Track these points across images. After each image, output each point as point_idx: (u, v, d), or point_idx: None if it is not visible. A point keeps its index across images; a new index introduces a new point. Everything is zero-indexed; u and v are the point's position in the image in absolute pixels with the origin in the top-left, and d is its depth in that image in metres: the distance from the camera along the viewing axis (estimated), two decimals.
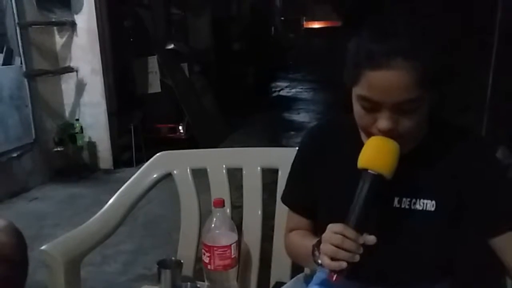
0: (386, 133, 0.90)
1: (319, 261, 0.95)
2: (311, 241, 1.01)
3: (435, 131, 1.00)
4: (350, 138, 0.99)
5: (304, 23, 16.53)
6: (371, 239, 0.89)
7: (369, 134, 0.93)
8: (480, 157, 0.99)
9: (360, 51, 0.88)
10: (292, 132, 5.72)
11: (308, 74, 10.62)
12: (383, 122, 0.89)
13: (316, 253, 0.96)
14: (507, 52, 3.75)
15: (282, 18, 14.30)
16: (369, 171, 0.89)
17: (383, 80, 0.85)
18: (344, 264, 0.88)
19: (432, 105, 0.92)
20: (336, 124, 1.13)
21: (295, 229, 1.15)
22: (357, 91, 0.91)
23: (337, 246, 0.88)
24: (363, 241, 0.89)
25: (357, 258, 0.88)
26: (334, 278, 0.90)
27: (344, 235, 0.88)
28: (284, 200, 1.20)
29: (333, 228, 0.90)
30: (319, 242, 0.96)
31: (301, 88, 9.21)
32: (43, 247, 1.24)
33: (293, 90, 9.12)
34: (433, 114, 0.99)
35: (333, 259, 0.89)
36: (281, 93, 8.99)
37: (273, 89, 9.25)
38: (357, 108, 0.94)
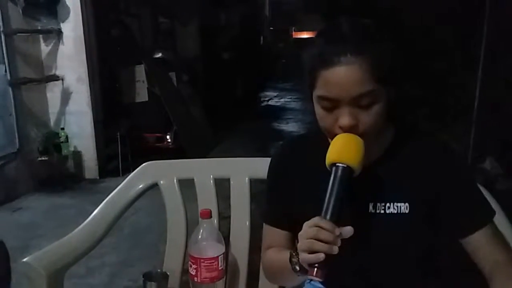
0: (348, 130, 0.93)
1: (297, 267, 0.94)
2: (287, 253, 1.00)
3: (402, 136, 1.05)
4: (321, 146, 1.00)
5: (293, 33, 16.65)
6: (348, 230, 0.89)
7: (333, 136, 0.96)
8: (445, 159, 1.03)
9: (314, 56, 0.95)
10: (281, 142, 5.70)
11: (297, 84, 10.66)
12: (344, 118, 0.93)
13: (294, 259, 0.96)
14: (494, 64, 3.80)
15: (271, 28, 14.40)
16: (337, 164, 0.92)
17: (337, 76, 0.91)
18: (321, 256, 0.86)
19: (390, 102, 0.96)
20: (306, 136, 1.19)
21: (272, 245, 1.14)
22: (316, 93, 0.97)
23: (313, 239, 0.87)
24: (339, 232, 0.87)
25: (335, 249, 0.86)
26: (314, 273, 0.87)
27: (319, 226, 0.88)
28: (261, 216, 1.19)
29: (308, 223, 0.90)
30: (296, 249, 0.95)
31: (290, 98, 9.24)
32: (25, 259, 1.21)
33: (282, 100, 9.15)
34: (399, 120, 1.04)
35: (310, 253, 0.88)
36: (270, 102, 9.02)
37: (262, 99, 9.27)
38: (318, 110, 0.98)
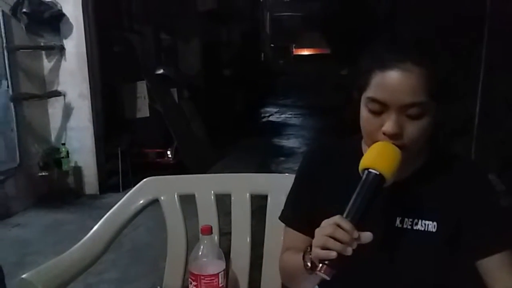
0: (391, 137, 0.93)
1: (308, 263, 0.92)
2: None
3: (435, 156, 1.05)
4: (351, 157, 1.00)
5: (294, 50, 16.82)
6: (367, 235, 0.86)
7: (373, 142, 0.96)
8: (475, 182, 1.04)
9: (373, 57, 0.96)
10: (282, 158, 5.72)
11: (297, 100, 10.72)
12: (389, 124, 0.92)
13: (306, 255, 0.94)
14: (494, 81, 3.82)
15: (272, 45, 14.54)
16: (370, 170, 0.90)
17: (391, 80, 0.92)
18: (333, 254, 0.84)
19: (436, 121, 0.96)
20: (338, 145, 1.18)
21: (291, 248, 1.13)
22: (366, 94, 0.96)
23: (329, 236, 0.86)
24: (357, 235, 0.86)
25: (349, 251, 0.84)
26: (322, 269, 0.86)
27: (338, 225, 0.86)
28: (282, 218, 1.19)
29: (327, 221, 0.89)
30: (311, 246, 0.94)
31: (291, 114, 9.27)
32: (23, 276, 1.19)
33: (283, 116, 9.17)
34: (434, 140, 1.04)
35: (323, 249, 0.86)
36: (271, 118, 9.04)
37: (263, 115, 9.30)
38: (364, 113, 0.97)
